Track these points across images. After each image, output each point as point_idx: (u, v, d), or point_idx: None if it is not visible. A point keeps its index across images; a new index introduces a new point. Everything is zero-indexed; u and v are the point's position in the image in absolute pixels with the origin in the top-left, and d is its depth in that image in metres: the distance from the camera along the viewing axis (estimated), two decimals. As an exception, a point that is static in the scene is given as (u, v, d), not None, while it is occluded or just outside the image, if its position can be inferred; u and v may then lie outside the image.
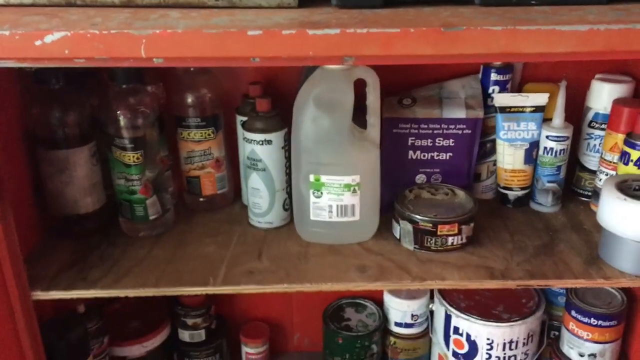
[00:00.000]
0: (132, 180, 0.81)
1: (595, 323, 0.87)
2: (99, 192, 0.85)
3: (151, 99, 0.82)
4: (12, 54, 0.58)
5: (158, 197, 0.85)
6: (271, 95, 0.85)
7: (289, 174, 0.86)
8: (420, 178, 0.92)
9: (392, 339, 1.04)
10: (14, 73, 0.78)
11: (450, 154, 0.90)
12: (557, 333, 0.98)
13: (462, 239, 0.82)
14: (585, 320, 0.88)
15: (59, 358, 0.82)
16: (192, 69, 0.87)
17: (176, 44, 0.57)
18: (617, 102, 0.86)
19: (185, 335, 1.02)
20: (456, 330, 0.95)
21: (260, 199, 0.86)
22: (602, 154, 0.88)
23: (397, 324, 1.03)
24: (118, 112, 0.78)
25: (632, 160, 0.82)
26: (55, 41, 0.57)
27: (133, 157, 0.80)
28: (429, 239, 0.81)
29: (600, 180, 0.88)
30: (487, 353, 0.93)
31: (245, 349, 1.09)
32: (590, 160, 0.92)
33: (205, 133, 0.88)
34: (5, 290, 0.71)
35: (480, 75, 0.91)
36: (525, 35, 0.57)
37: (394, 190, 0.87)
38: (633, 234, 0.74)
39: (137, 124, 0.79)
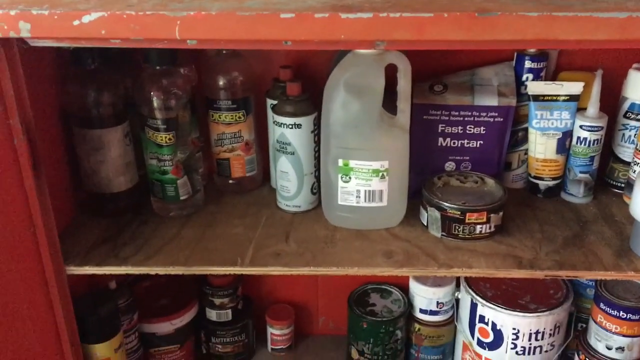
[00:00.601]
0: (164, 161, 0.83)
1: (624, 316, 0.86)
2: (131, 172, 0.87)
3: (184, 81, 0.83)
4: (51, 33, 0.59)
5: (189, 178, 0.86)
6: (302, 79, 0.86)
7: (317, 158, 0.86)
8: (450, 165, 0.91)
9: (417, 326, 1.04)
10: (52, 52, 0.80)
11: (481, 142, 0.89)
12: (584, 325, 0.97)
13: (490, 228, 0.81)
14: (614, 313, 0.87)
15: (90, 332, 0.85)
16: (224, 51, 0.88)
17: (210, 26, 0.58)
18: (655, 92, 0.84)
19: (212, 315, 1.04)
20: (482, 319, 0.95)
21: (289, 182, 0.87)
22: (637, 145, 0.87)
23: (422, 311, 1.03)
24: (151, 93, 0.79)
25: (668, 152, 0.80)
26: (92, 21, 0.58)
27: (165, 137, 0.81)
28: (457, 227, 0.81)
29: (635, 171, 0.86)
30: (512, 343, 0.93)
31: (270, 330, 1.10)
32: (625, 152, 0.90)
33: (235, 116, 0.89)
34: (41, 264, 0.74)
35: (513, 63, 0.90)
36: (561, 22, 0.56)
37: (423, 177, 0.87)
38: (666, 227, 0.72)
39: (170, 105, 0.80)
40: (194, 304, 1.04)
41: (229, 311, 1.04)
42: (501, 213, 0.82)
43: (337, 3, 0.60)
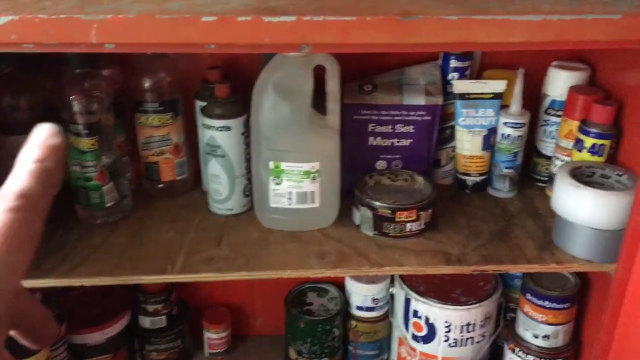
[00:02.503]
0: (87, 167, 0.80)
1: (549, 306, 0.90)
2: (53, 179, 0.83)
3: (106, 84, 0.80)
4: (-44, 38, 0.55)
5: (115, 183, 0.84)
6: (231, 80, 0.84)
7: (249, 160, 0.85)
8: (381, 164, 0.92)
9: (354, 323, 1.05)
10: (-38, 56, 0.76)
11: (410, 140, 0.90)
12: (513, 315, 1.00)
13: (420, 225, 0.83)
14: (540, 303, 0.90)
15: (12, 348, 0.81)
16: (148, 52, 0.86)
17: (128, 29, 0.56)
18: (573, 90, 0.87)
19: (146, 322, 1.02)
20: (415, 313, 0.96)
21: (220, 185, 0.86)
22: (557, 140, 0.90)
23: (359, 308, 1.04)
24: (71, 97, 0.76)
25: (585, 147, 0.83)
26: (1, 25, 0.55)
27: (88, 143, 0.78)
28: (388, 225, 0.82)
29: (556, 166, 0.90)
30: (445, 335, 0.95)
31: (207, 334, 1.09)
32: (547, 147, 0.94)
33: (163, 118, 0.87)
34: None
35: (440, 62, 0.92)
36: (479, 25, 0.58)
37: (355, 177, 0.87)
38: (585, 220, 0.76)
39: (92, 109, 0.78)
40: (126, 312, 1.01)
41: (163, 317, 1.02)
42: (430, 210, 0.83)
43: (260, 5, 0.59)
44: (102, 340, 0.98)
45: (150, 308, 1.01)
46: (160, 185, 0.92)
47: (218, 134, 0.82)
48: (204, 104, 0.85)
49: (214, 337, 1.08)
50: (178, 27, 0.56)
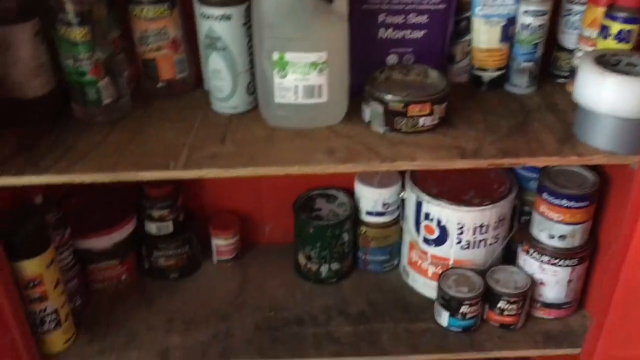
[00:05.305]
0: (81, 60, 0.75)
1: (566, 204, 0.87)
2: (47, 75, 0.79)
3: (97, -30, 0.74)
4: None
5: (112, 80, 0.79)
6: (230, -34, 0.78)
7: (252, 55, 0.80)
8: (392, 59, 0.87)
9: (363, 228, 1.03)
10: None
11: (424, 32, 0.85)
12: (527, 218, 0.98)
13: (434, 120, 0.79)
14: (557, 202, 0.87)
15: (17, 248, 0.79)
16: (141, -64, 0.79)
17: None
18: (600, -27, 0.80)
19: (152, 228, 1.00)
20: (427, 216, 0.94)
21: (222, 81, 0.81)
22: (580, 30, 0.84)
23: (369, 213, 1.02)
24: (59, -18, 0.71)
25: (611, 34, 0.78)
26: None
27: (79, 33, 0.73)
28: (400, 121, 0.78)
29: (578, 58, 0.84)
30: (457, 237, 0.93)
31: (215, 241, 1.07)
32: (569, 38, 0.88)
33: (159, 10, 0.81)
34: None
35: (456, -54, 0.85)
36: None
37: (364, 73, 0.82)
38: (609, 109, 0.71)
39: (82, -4, 0.72)
40: (131, 218, 0.99)
41: (170, 223, 1.00)
42: (445, 104, 0.79)
43: None
44: (109, 246, 0.97)
45: (156, 214, 0.99)
46: (160, 85, 0.88)
47: (217, 24, 0.77)
48: (202, -7, 0.79)
49: (222, 243, 1.07)
50: None
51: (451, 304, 0.92)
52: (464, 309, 0.91)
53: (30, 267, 0.81)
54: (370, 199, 1.00)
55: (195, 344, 0.93)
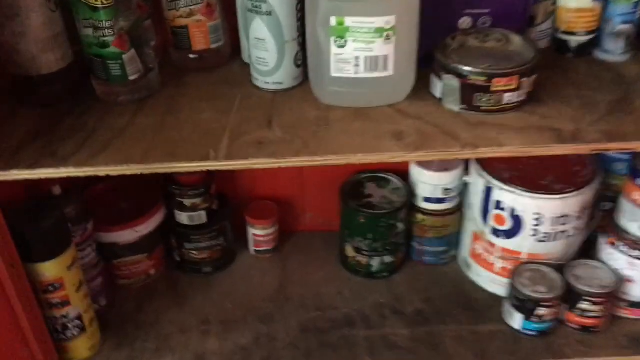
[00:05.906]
0: (102, 29, 0.63)
1: (666, 193, 0.74)
2: (63, 47, 0.67)
3: None
4: None
5: (137, 52, 0.67)
6: None
7: (301, 19, 0.68)
8: (465, 22, 0.74)
9: (420, 216, 0.91)
10: None
11: (504, -11, 0.72)
12: (607, 204, 0.86)
13: (521, 96, 0.66)
14: (655, 189, 0.75)
15: (34, 249, 0.69)
16: None
17: None
18: None
19: (183, 218, 0.89)
20: (498, 204, 0.82)
21: (266, 52, 0.69)
22: (693, -16, 0.71)
23: (427, 200, 0.90)
24: None
25: None
26: None
27: (100, -4, 0.61)
28: (480, 97, 0.65)
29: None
30: (533, 229, 0.81)
31: (252, 231, 0.96)
32: (674, -4, 0.74)
33: (191, -33, 0.69)
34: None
35: None
36: None
37: (431, 40, 0.69)
38: None
39: (101, -48, 0.60)
40: (160, 208, 0.89)
41: (203, 213, 0.89)
42: (534, 76, 0.66)
43: None
44: (135, 239, 0.87)
45: (188, 202, 0.88)
46: (192, 56, 0.75)
47: (263, -17, 0.64)
48: (242, -54, 0.66)
49: (259, 233, 0.96)
50: None
51: (526, 305, 0.81)
52: (540, 310, 0.80)
53: (49, 269, 0.71)
54: (429, 183, 0.88)
55: (235, 349, 0.83)
